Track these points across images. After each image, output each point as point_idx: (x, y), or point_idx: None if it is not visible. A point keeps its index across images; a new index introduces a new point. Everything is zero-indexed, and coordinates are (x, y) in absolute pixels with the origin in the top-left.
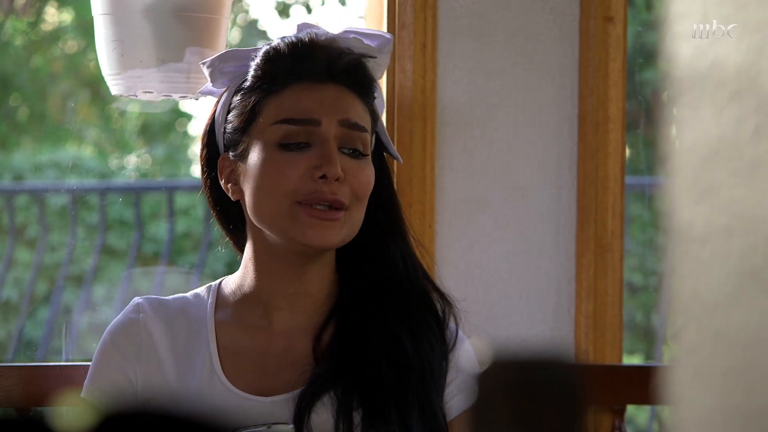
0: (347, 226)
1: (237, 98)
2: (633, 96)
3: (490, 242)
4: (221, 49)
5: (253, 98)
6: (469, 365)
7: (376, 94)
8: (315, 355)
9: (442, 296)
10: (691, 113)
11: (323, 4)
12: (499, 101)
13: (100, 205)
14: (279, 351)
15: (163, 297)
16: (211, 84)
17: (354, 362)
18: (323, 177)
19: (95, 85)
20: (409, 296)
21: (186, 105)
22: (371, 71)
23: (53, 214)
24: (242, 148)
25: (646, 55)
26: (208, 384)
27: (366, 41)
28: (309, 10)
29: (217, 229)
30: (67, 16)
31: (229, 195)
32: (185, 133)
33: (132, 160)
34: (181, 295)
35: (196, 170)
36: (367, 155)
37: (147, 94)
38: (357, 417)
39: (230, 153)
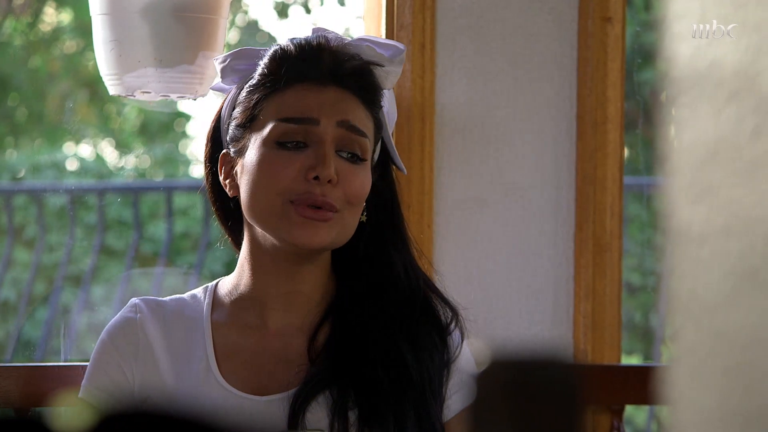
0: (338, 228)
1: (242, 95)
2: (631, 96)
3: (488, 242)
4: (219, 50)
5: (256, 96)
6: (467, 365)
7: (383, 103)
8: (309, 355)
9: (447, 304)
10: (689, 113)
11: (322, 4)
12: (498, 101)
13: (99, 205)
14: (274, 350)
15: (160, 298)
16: (221, 81)
17: (350, 362)
18: (316, 178)
19: (94, 85)
20: (411, 306)
21: (184, 105)
22: (379, 79)
23: (51, 214)
24: (242, 144)
25: (644, 56)
26: (205, 383)
27: (378, 50)
28: (308, 11)
29: (216, 228)
30: (65, 17)
31: (227, 191)
32: (184, 134)
33: (130, 160)
34: (178, 296)
35: (195, 170)
36: (366, 161)
37: (145, 94)
38: (352, 416)
39: (231, 149)
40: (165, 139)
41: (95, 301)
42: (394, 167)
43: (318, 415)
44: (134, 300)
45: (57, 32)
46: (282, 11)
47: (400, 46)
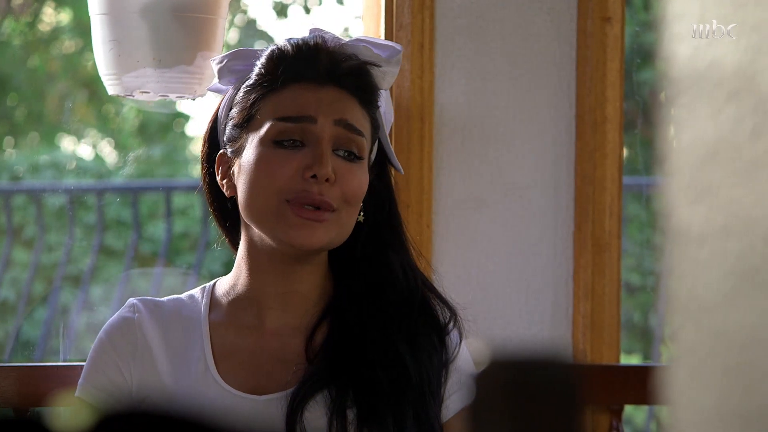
0: (335, 229)
1: (239, 95)
2: (630, 96)
3: (487, 242)
4: (218, 50)
5: (253, 96)
6: (465, 365)
7: (379, 103)
8: (307, 355)
9: (446, 304)
10: (688, 113)
11: (321, 4)
12: (497, 101)
13: (98, 205)
14: (271, 350)
15: (157, 298)
16: (218, 81)
17: (348, 362)
18: (313, 177)
19: (92, 85)
20: (409, 306)
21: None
22: (376, 79)
23: (51, 214)
24: (239, 144)
25: (643, 55)
26: (203, 383)
27: (375, 51)
28: (307, 11)
29: (215, 228)
30: (64, 17)
31: (224, 191)
32: (183, 134)
33: (130, 160)
34: (175, 296)
35: (194, 170)
36: (363, 159)
37: (144, 94)
38: (351, 415)
39: (228, 149)
40: (164, 139)
41: (94, 301)
42: (391, 167)
43: (316, 414)
44: (132, 300)
45: (56, 32)
46: (281, 11)
47: (397, 46)
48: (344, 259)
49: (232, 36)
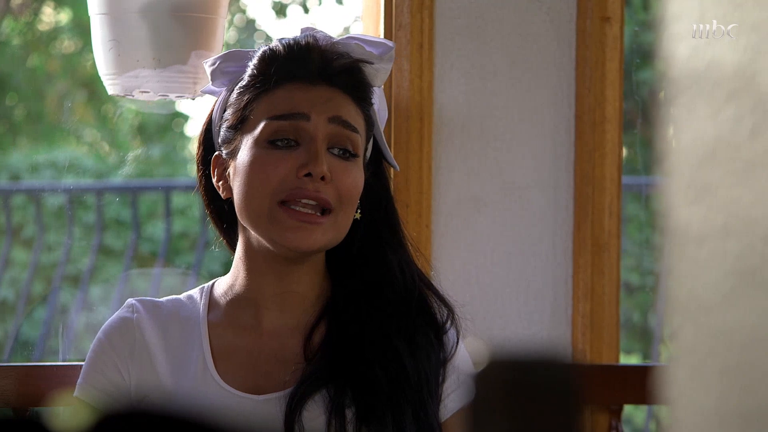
0: (332, 230)
1: (233, 97)
2: (630, 96)
3: (486, 242)
4: (218, 50)
5: (246, 97)
6: (463, 364)
7: (373, 101)
8: (305, 355)
9: (443, 302)
10: (687, 113)
11: (320, 4)
12: (496, 101)
13: (97, 204)
14: (270, 350)
15: (156, 299)
16: (211, 83)
17: (346, 361)
18: (308, 175)
19: (92, 85)
20: (406, 304)
21: (183, 105)
22: (369, 77)
23: (50, 213)
24: (234, 146)
25: (642, 55)
26: (202, 383)
27: (368, 48)
28: (306, 10)
29: (213, 229)
30: (63, 16)
31: (220, 193)
32: (182, 134)
33: (129, 160)
34: (174, 296)
35: (193, 170)
36: (358, 157)
37: (143, 94)
38: (349, 414)
39: (223, 151)
40: (163, 139)
41: (93, 301)
42: (387, 165)
43: (314, 413)
44: (131, 300)
45: (55, 32)
46: (280, 11)
47: (389, 43)
48: (341, 257)
49: (231, 36)
